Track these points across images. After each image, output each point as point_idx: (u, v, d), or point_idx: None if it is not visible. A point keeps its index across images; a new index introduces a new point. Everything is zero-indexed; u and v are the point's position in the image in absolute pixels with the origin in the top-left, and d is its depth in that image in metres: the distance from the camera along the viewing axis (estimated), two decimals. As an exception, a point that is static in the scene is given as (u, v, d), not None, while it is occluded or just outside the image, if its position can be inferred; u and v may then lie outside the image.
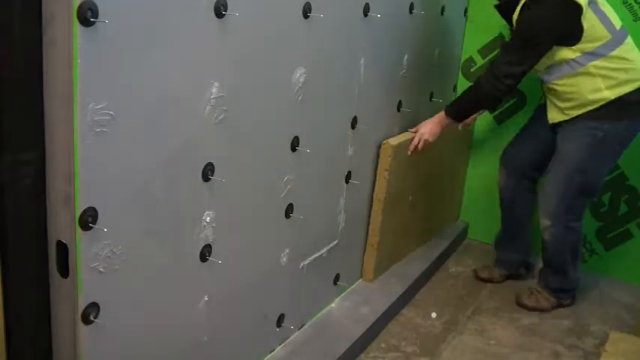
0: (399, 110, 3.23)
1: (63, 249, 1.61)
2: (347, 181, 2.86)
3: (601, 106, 2.95)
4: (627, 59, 2.94)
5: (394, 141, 3.09)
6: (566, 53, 2.91)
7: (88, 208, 1.57)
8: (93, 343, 1.68)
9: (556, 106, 3.10)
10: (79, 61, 1.45)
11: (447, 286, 3.54)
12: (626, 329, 3.15)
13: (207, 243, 2.01)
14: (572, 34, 2.86)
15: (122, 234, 1.68)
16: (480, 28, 3.90)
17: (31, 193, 1.57)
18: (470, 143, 4.05)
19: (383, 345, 2.92)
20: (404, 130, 3.30)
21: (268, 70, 2.14)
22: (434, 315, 3.21)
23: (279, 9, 2.12)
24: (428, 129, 3.17)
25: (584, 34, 2.85)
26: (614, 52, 2.91)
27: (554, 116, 3.13)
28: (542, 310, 3.29)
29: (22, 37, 1.46)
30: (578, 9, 2.81)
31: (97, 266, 1.63)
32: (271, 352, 2.56)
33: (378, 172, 3.08)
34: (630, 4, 3.39)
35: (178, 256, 1.92)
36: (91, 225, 1.58)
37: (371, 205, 3.13)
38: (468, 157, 4.08)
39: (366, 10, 2.65)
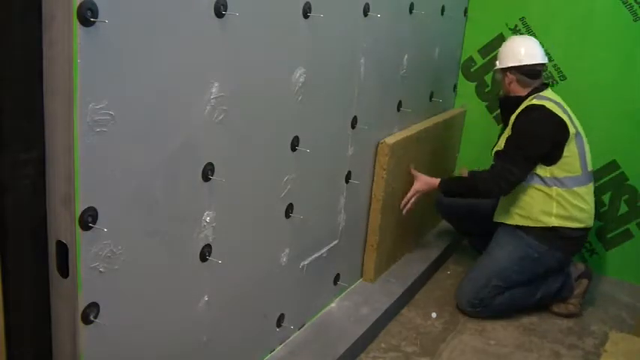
0: (399, 110, 3.23)
1: (63, 249, 1.61)
2: (347, 181, 2.86)
3: (544, 229, 3.14)
4: (586, 201, 3.16)
5: (391, 140, 3.10)
6: (539, 169, 3.11)
7: (88, 207, 1.57)
8: (93, 343, 1.68)
9: (505, 207, 3.27)
10: (79, 61, 1.44)
11: (447, 286, 3.54)
12: (626, 329, 3.15)
13: (207, 243, 2.01)
14: (553, 153, 3.08)
15: (122, 234, 1.68)
16: (479, 28, 3.90)
17: (31, 193, 1.57)
18: (459, 140, 4.08)
19: (383, 345, 2.92)
20: (403, 129, 3.31)
21: (268, 70, 2.13)
22: (434, 315, 3.21)
23: (279, 9, 2.12)
24: (422, 187, 3.32)
25: (561, 160, 3.08)
26: (578, 189, 3.13)
27: (498, 215, 3.32)
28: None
29: (22, 37, 1.46)
30: (567, 134, 3.07)
31: (97, 266, 1.63)
32: (271, 352, 2.56)
33: (376, 171, 3.08)
34: (630, 4, 3.39)
35: (178, 256, 1.92)
36: (90, 225, 1.58)
37: (371, 205, 3.13)
38: (457, 151, 4.09)
39: (366, 10, 2.65)
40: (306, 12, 2.24)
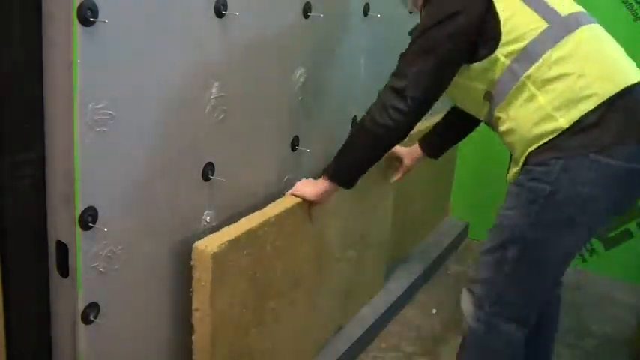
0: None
1: (63, 249, 1.61)
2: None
3: (554, 139, 1.83)
4: (583, 57, 1.88)
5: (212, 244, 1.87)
6: (495, 61, 1.89)
7: (88, 207, 1.57)
8: (93, 343, 1.68)
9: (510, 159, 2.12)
10: (79, 61, 1.45)
11: (447, 286, 3.54)
12: (626, 329, 3.16)
13: (207, 243, 2.01)
14: (485, 32, 1.87)
15: (122, 234, 1.68)
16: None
17: (31, 193, 1.57)
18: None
19: (383, 345, 2.92)
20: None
21: (268, 70, 2.13)
22: (434, 311, 3.21)
23: (279, 9, 2.12)
24: (306, 189, 2.20)
25: (503, 31, 1.85)
26: (556, 50, 1.85)
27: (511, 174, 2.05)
28: None
29: (22, 37, 1.46)
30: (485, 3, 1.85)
31: (97, 266, 1.63)
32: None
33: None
34: (630, 3, 3.39)
35: (178, 255, 1.92)
36: (90, 225, 1.58)
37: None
38: (455, 155, 4.08)
39: (366, 10, 2.65)
40: (306, 12, 2.24)
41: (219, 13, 1.83)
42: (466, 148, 4.08)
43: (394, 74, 2.00)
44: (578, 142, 1.81)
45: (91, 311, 1.65)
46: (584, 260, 3.77)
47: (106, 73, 1.52)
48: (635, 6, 3.39)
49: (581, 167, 1.80)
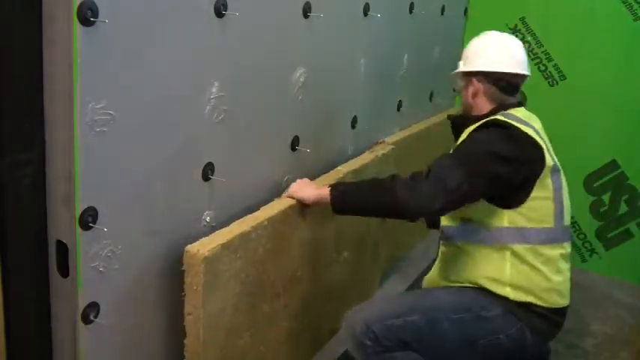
0: (399, 110, 3.23)
1: (63, 249, 1.61)
2: (347, 181, 2.86)
3: (497, 298, 2.10)
4: (558, 269, 2.12)
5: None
6: (489, 214, 2.10)
7: (88, 207, 1.57)
8: (93, 343, 1.68)
9: (438, 274, 2.32)
10: (79, 61, 1.44)
11: (447, 285, 3.53)
12: (627, 329, 3.16)
13: (207, 243, 2.01)
14: (516, 190, 2.06)
15: (122, 234, 1.68)
16: (479, 28, 3.89)
17: (31, 193, 1.57)
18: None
19: (383, 345, 2.92)
20: (404, 128, 3.30)
21: (268, 70, 2.13)
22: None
23: (279, 9, 2.12)
24: (303, 194, 2.22)
25: (528, 202, 2.05)
26: (546, 248, 2.09)
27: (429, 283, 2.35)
28: None
29: (22, 36, 1.46)
30: (542, 164, 2.06)
31: (97, 266, 1.63)
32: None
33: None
34: (630, 3, 3.39)
35: (178, 255, 1.92)
36: (91, 225, 1.58)
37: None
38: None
39: (366, 10, 2.65)
40: (306, 12, 2.24)
41: (219, 13, 1.82)
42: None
43: (433, 174, 2.01)
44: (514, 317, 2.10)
45: (91, 311, 1.65)
46: (584, 260, 3.77)
47: (106, 73, 1.52)
48: (635, 6, 3.39)
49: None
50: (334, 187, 2.15)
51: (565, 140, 3.66)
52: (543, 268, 2.08)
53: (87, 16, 1.43)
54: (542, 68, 3.68)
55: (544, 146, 2.08)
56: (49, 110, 1.53)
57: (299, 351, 2.49)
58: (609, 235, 3.71)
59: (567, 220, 2.15)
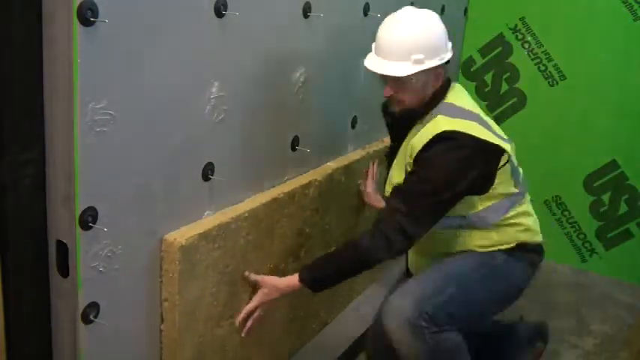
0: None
1: (63, 248, 1.61)
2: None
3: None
4: (528, 213, 2.30)
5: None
6: (465, 207, 2.16)
7: (88, 207, 1.57)
8: (93, 343, 1.68)
9: (421, 252, 2.37)
10: (79, 61, 1.44)
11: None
12: (627, 329, 3.16)
13: (207, 243, 2.01)
14: (481, 187, 2.14)
15: (122, 234, 1.68)
16: (479, 28, 3.90)
17: (31, 193, 1.57)
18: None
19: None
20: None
21: (268, 70, 2.13)
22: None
23: (279, 9, 2.12)
24: (270, 295, 2.15)
25: (494, 186, 2.15)
26: (518, 207, 2.24)
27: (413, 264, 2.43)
28: None
29: (22, 36, 1.46)
30: (495, 149, 2.10)
31: (97, 266, 1.63)
32: None
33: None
34: (630, 3, 3.39)
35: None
36: (91, 225, 1.58)
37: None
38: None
39: (366, 10, 2.65)
40: (306, 12, 2.24)
41: (219, 13, 1.82)
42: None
43: (400, 211, 2.05)
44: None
45: (91, 311, 1.65)
46: (584, 260, 3.77)
47: (106, 73, 1.52)
48: (635, 6, 3.39)
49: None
50: (303, 278, 2.10)
51: (565, 140, 3.68)
52: (523, 221, 2.25)
53: (87, 16, 1.43)
54: (542, 68, 3.68)
55: (495, 138, 2.10)
56: (49, 110, 1.53)
57: (284, 343, 2.51)
58: (609, 235, 3.71)
59: (520, 172, 2.30)
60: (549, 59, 3.64)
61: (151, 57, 1.65)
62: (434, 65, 2.07)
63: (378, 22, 2.72)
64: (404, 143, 2.20)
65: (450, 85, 2.21)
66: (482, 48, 3.91)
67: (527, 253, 2.28)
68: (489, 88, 3.96)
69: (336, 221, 2.66)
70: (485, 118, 2.18)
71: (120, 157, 1.63)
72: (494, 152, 2.10)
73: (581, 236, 3.75)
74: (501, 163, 2.13)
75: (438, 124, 2.06)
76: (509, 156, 2.16)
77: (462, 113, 2.11)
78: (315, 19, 2.28)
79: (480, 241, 2.22)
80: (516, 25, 3.74)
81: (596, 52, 3.54)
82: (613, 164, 3.60)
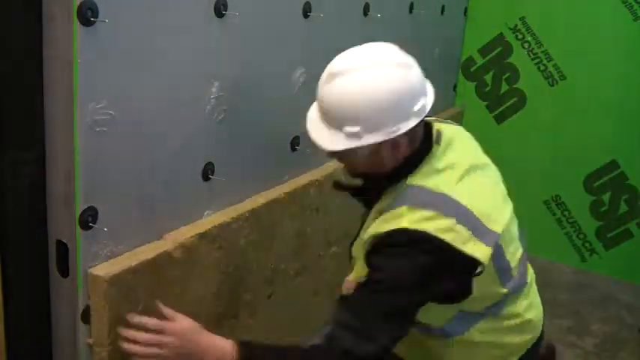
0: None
1: (63, 248, 1.61)
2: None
3: None
4: (526, 311, 1.72)
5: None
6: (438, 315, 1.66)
7: (88, 207, 1.57)
8: (93, 343, 1.68)
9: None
10: (79, 61, 1.44)
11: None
12: (626, 329, 3.16)
13: (207, 243, 2.01)
14: (453, 295, 1.61)
15: (122, 234, 1.68)
16: (479, 28, 3.90)
17: (32, 193, 1.57)
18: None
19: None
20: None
21: (268, 70, 2.13)
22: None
23: (279, 8, 2.12)
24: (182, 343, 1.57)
25: (473, 294, 1.58)
26: (509, 310, 1.69)
27: None
28: None
29: (22, 36, 1.46)
30: (474, 267, 1.54)
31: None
32: None
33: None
34: (630, 3, 3.39)
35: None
36: (91, 224, 1.58)
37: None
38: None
39: (366, 10, 2.65)
40: (306, 12, 2.24)
41: (219, 12, 1.82)
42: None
43: (354, 330, 1.52)
44: None
45: (91, 311, 1.65)
46: (584, 260, 3.77)
47: (106, 72, 1.52)
48: (635, 6, 3.39)
49: None
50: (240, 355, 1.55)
51: (565, 140, 3.67)
52: (513, 322, 1.70)
53: (87, 16, 1.43)
54: (542, 68, 3.68)
55: (472, 245, 1.51)
56: (49, 110, 1.53)
57: (284, 342, 2.49)
58: (609, 235, 3.71)
59: (515, 270, 1.67)
60: (549, 59, 3.64)
61: (151, 57, 1.65)
62: (377, 141, 1.51)
63: (378, 22, 2.73)
64: (371, 213, 1.67)
65: (430, 147, 1.63)
66: (482, 48, 3.91)
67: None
68: (489, 88, 3.96)
69: (336, 221, 2.66)
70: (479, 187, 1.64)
71: (120, 157, 1.63)
72: (472, 267, 1.54)
73: (581, 236, 3.75)
74: (478, 270, 1.55)
75: (400, 218, 1.51)
76: (492, 260, 1.56)
77: (435, 201, 1.53)
78: (315, 19, 2.28)
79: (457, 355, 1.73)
80: (516, 25, 3.74)
81: (596, 52, 3.54)
82: (613, 164, 3.60)
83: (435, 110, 3.26)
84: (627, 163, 3.57)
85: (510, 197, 1.77)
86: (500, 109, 3.88)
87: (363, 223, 1.74)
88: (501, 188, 1.77)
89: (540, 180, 3.67)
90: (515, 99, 3.83)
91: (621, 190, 3.64)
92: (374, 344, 1.51)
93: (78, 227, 1.56)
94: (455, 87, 4.00)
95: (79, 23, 1.42)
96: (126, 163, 1.65)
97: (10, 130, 1.49)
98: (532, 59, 3.69)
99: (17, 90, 1.48)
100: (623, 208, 3.65)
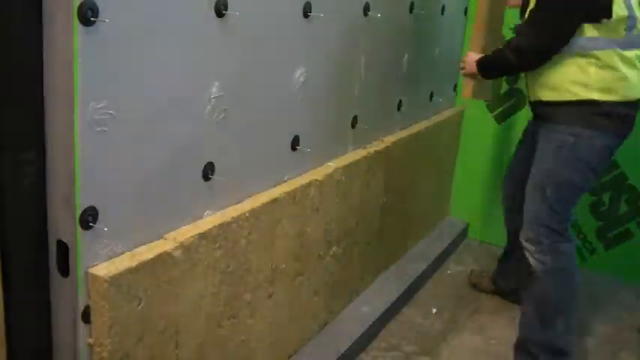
0: (399, 110, 3.23)
1: (63, 248, 1.61)
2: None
3: (576, 104, 2.54)
4: (633, 65, 2.52)
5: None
6: (584, 29, 2.49)
7: (89, 207, 1.57)
8: (93, 343, 1.69)
9: (533, 86, 2.73)
10: (79, 60, 1.45)
11: (447, 285, 3.54)
12: (626, 329, 3.16)
13: (207, 242, 2.01)
14: (599, 7, 2.47)
15: (122, 233, 1.69)
16: (480, 28, 3.89)
17: (32, 193, 1.57)
18: (458, 140, 4.05)
19: (383, 344, 2.92)
20: (405, 128, 3.31)
21: (268, 70, 2.14)
22: (434, 310, 3.22)
23: (279, 8, 2.12)
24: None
25: (607, 20, 2.45)
26: (621, 51, 2.49)
27: (530, 97, 2.80)
28: None
29: (22, 36, 1.46)
30: None
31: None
32: None
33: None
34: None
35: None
36: (91, 224, 1.58)
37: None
38: (455, 154, 4.08)
39: (366, 10, 2.65)
40: (307, 11, 2.24)
41: (219, 12, 1.83)
42: (465, 148, 4.09)
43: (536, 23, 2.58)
44: (595, 119, 2.52)
45: (92, 311, 1.65)
46: (584, 260, 3.76)
47: (106, 72, 1.52)
48: None
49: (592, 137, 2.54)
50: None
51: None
52: (620, 67, 2.49)
53: (87, 15, 1.43)
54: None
55: None
56: (49, 110, 1.53)
57: (284, 342, 2.51)
58: (609, 235, 3.72)
59: (638, 29, 2.53)
60: (549, 59, 3.64)
61: (152, 56, 1.65)
62: None
63: (378, 22, 2.73)
64: None
65: None
66: (482, 48, 3.90)
67: (611, 119, 2.52)
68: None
69: (336, 221, 2.66)
70: None
71: (120, 157, 1.63)
72: None
73: (581, 236, 3.75)
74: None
75: None
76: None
77: None
78: (315, 18, 2.28)
79: (575, 74, 2.51)
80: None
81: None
82: (613, 164, 3.60)
83: (435, 110, 3.28)
84: (627, 163, 3.57)
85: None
86: (501, 109, 3.88)
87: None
88: None
89: (540, 180, 3.67)
90: (515, 99, 3.83)
91: (621, 190, 3.64)
92: (560, 28, 2.51)
93: (78, 227, 1.56)
94: (455, 87, 4.00)
95: (79, 23, 1.42)
96: (126, 162, 1.65)
97: (10, 130, 1.49)
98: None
99: (17, 90, 1.48)
100: (623, 208, 3.65)
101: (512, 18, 3.21)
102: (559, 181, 2.60)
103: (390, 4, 2.88)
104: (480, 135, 4.03)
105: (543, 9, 2.52)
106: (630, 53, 2.50)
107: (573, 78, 2.52)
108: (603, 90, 2.49)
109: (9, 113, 1.48)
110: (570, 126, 2.55)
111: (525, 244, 2.69)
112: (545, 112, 2.67)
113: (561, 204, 2.62)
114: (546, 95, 2.63)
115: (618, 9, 2.45)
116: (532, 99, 2.77)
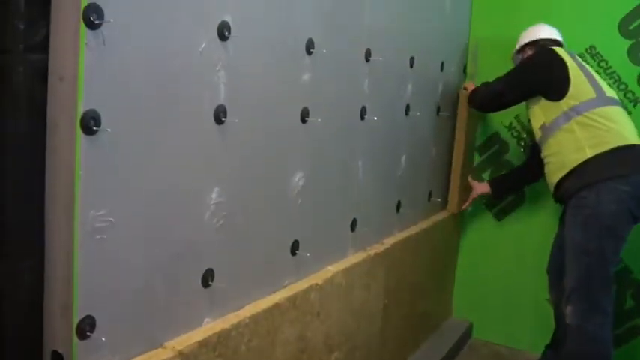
0: (398, 211, 3.24)
1: (58, 359, 1.57)
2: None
3: (582, 170, 2.91)
4: (611, 120, 2.95)
5: None
6: (555, 106, 3.03)
7: (86, 316, 1.54)
8: None
9: (549, 174, 3.16)
10: (81, 169, 1.46)
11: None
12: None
13: (206, 350, 1.96)
14: (557, 86, 3.03)
15: (120, 342, 1.65)
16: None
17: (29, 302, 1.55)
18: (458, 239, 4.04)
19: None
20: (404, 229, 3.30)
21: (267, 175, 2.16)
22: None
23: (278, 115, 2.16)
24: (482, 190, 3.77)
25: (570, 89, 3.00)
26: (597, 110, 2.95)
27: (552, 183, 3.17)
28: None
29: (25, 144, 1.48)
30: (566, 69, 3.04)
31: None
32: None
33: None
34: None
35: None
36: (88, 333, 1.55)
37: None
38: (456, 253, 4.06)
39: (362, 113, 2.70)
40: (304, 117, 2.29)
41: (218, 120, 1.86)
42: (466, 246, 4.08)
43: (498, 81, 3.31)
44: (600, 171, 2.86)
45: None
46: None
47: (106, 180, 1.54)
48: None
49: (606, 191, 2.82)
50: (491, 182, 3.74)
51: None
52: (602, 122, 2.92)
53: (90, 125, 1.45)
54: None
55: (573, 64, 3.07)
56: (49, 217, 1.53)
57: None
58: (616, 332, 3.63)
59: (608, 92, 3.06)
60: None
61: (151, 165, 1.67)
62: (516, 49, 3.48)
63: (375, 125, 2.79)
64: None
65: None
66: (478, 147, 3.95)
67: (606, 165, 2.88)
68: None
69: (337, 325, 2.61)
70: (588, 68, 3.17)
71: (119, 265, 1.61)
72: (563, 64, 3.07)
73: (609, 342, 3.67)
74: (569, 70, 3.05)
75: None
76: (581, 68, 3.08)
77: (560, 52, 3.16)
78: (313, 123, 2.32)
79: (572, 144, 2.97)
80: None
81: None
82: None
83: (433, 210, 3.26)
84: (631, 257, 3.54)
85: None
86: (500, 206, 3.91)
87: None
88: None
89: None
90: (514, 196, 3.85)
91: (626, 285, 3.60)
92: (504, 94, 3.28)
93: (75, 337, 1.52)
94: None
95: (82, 132, 1.45)
96: (125, 270, 1.64)
97: (9, 237, 1.49)
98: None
99: (18, 196, 1.48)
100: (629, 302, 3.60)
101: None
102: (586, 249, 2.87)
103: (387, 107, 2.94)
104: (479, 233, 4.02)
105: (508, 74, 3.26)
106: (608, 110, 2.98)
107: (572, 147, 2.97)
108: (595, 146, 2.90)
109: (9, 220, 1.48)
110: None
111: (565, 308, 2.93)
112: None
113: (598, 276, 2.85)
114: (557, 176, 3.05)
115: (584, 91, 3.02)
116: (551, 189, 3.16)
